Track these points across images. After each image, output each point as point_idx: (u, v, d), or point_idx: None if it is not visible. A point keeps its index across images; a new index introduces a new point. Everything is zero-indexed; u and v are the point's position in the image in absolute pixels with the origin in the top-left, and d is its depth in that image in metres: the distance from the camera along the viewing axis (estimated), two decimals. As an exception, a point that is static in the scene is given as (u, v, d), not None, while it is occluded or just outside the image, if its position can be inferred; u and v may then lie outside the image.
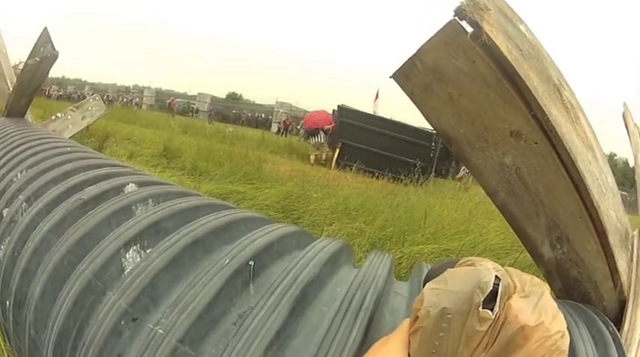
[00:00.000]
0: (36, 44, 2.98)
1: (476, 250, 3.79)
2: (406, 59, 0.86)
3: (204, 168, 7.19)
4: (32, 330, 1.10)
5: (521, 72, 0.80)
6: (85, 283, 1.00)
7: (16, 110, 3.31)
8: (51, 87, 33.67)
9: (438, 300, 0.52)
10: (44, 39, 3.00)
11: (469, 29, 0.77)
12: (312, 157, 14.26)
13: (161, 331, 0.83)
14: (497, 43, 0.76)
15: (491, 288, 0.49)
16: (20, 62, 3.04)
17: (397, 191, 7.70)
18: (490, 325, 0.48)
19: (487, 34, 0.75)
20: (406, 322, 0.58)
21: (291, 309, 0.83)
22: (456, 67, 0.82)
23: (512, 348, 0.48)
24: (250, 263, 0.95)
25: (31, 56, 2.96)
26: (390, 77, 0.91)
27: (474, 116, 0.89)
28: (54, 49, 3.04)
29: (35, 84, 3.28)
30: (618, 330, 0.95)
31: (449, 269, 0.57)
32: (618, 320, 1.02)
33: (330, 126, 14.65)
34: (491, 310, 0.48)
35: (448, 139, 0.96)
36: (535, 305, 0.50)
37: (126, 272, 1.00)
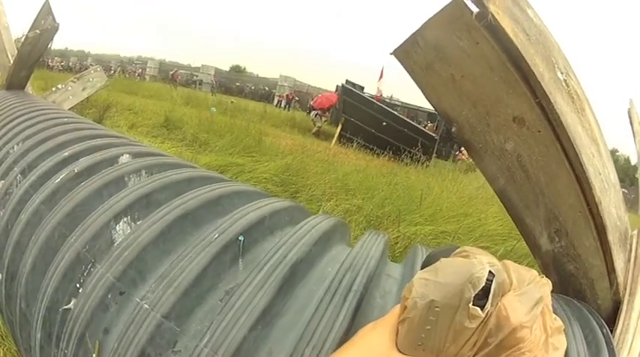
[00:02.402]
0: (37, 17, 2.95)
1: (473, 234, 3.78)
2: (408, 35, 0.83)
3: (205, 139, 7.15)
4: (23, 303, 1.10)
5: (528, 57, 0.77)
6: (74, 255, 0.99)
7: (16, 83, 3.29)
8: (53, 59, 33.19)
9: (426, 291, 0.50)
10: (45, 11, 2.96)
11: (474, 9, 0.73)
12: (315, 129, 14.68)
13: (146, 305, 0.82)
14: (502, 25, 0.73)
15: (483, 284, 0.47)
16: (23, 36, 3.00)
17: (397, 170, 7.68)
18: (480, 323, 0.46)
19: (493, 15, 0.72)
20: (396, 308, 0.55)
21: (279, 287, 0.81)
22: (460, 47, 0.79)
23: (504, 349, 0.46)
24: (240, 238, 0.93)
25: (32, 29, 2.93)
26: (391, 54, 0.88)
27: (476, 99, 0.86)
28: (54, 22, 3.01)
29: (35, 56, 3.25)
30: (610, 332, 0.93)
31: (442, 259, 0.54)
32: (611, 321, 1.01)
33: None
34: (483, 307, 0.46)
35: (449, 120, 0.93)
36: (532, 306, 0.47)
37: (115, 245, 0.99)
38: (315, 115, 15.32)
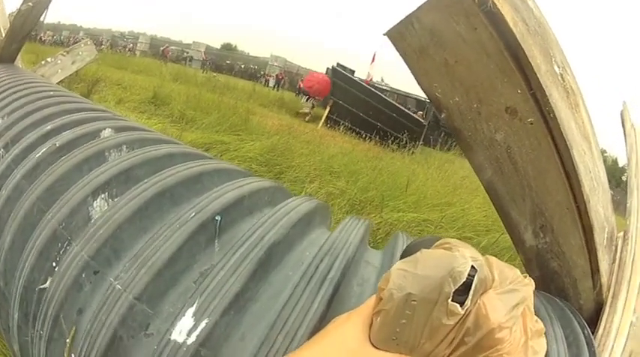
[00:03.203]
0: None
1: (456, 224, 3.81)
2: (403, 17, 0.80)
3: (192, 116, 7.09)
4: (2, 282, 1.08)
5: (526, 47, 0.75)
6: (51, 232, 0.97)
7: (6, 56, 3.26)
8: (45, 32, 32.46)
9: (403, 283, 0.47)
10: None
11: (474, -6, 0.71)
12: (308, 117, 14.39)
13: (119, 286, 0.79)
14: (502, 13, 0.71)
15: (464, 279, 0.44)
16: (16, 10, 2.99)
17: (383, 155, 7.72)
18: (459, 320, 0.44)
19: (493, 2, 0.70)
20: (372, 299, 0.53)
21: (253, 271, 0.79)
22: (456, 32, 0.76)
23: (482, 350, 0.44)
24: (217, 218, 0.90)
25: (24, 2, 2.91)
26: (384, 34, 0.85)
27: (469, 86, 0.84)
28: None
29: (26, 29, 3.25)
30: (592, 333, 0.93)
31: (423, 250, 0.51)
32: (593, 322, 1.00)
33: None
34: (462, 303, 0.44)
35: (439, 105, 0.91)
36: (513, 306, 0.45)
37: (91, 222, 0.96)
38: (307, 99, 15.15)
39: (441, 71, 0.84)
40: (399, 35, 0.84)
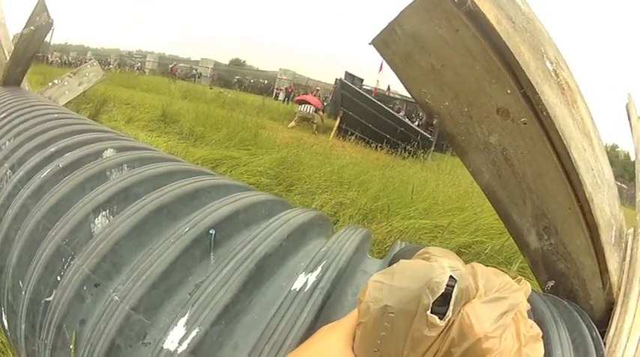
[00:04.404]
0: (32, 13, 3.00)
1: (468, 228, 3.75)
2: (386, 24, 0.80)
3: (201, 133, 7.12)
4: (10, 295, 1.11)
5: (511, 45, 0.74)
6: (55, 248, 1.01)
7: (12, 79, 3.33)
8: (52, 53, 32.95)
9: (380, 295, 0.47)
10: (40, 8, 3.01)
11: (453, -5, 0.70)
12: (293, 123, 13.87)
13: (116, 297, 0.83)
14: (484, 11, 0.70)
15: (443, 289, 0.44)
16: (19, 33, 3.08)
17: (394, 164, 7.69)
18: (442, 332, 0.43)
19: (473, 1, 0.69)
20: (356, 311, 0.52)
21: (244, 283, 0.81)
22: (439, 36, 0.76)
23: None
24: (211, 232, 0.92)
25: (27, 25, 2.98)
26: (370, 44, 0.85)
27: (458, 90, 0.83)
28: (49, 18, 3.06)
29: (30, 53, 3.30)
30: (603, 334, 0.90)
31: (401, 260, 0.51)
32: (604, 323, 0.98)
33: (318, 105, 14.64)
34: (443, 314, 0.43)
35: (429, 111, 0.90)
36: (500, 314, 0.44)
37: (93, 237, 1.00)
38: (311, 110, 14.35)
39: (428, 77, 0.84)
40: (383, 43, 0.84)
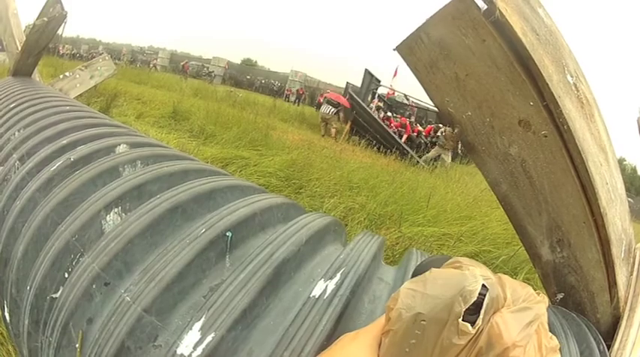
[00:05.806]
0: (46, 4, 3.00)
1: (476, 237, 3.73)
2: (412, 31, 0.80)
3: (212, 131, 7.13)
4: (14, 289, 1.09)
5: (536, 57, 0.74)
6: (64, 244, 0.98)
7: (23, 69, 3.34)
8: (64, 46, 33.07)
9: (412, 303, 0.47)
10: None
11: (482, 5, 0.70)
12: (322, 130, 13.88)
13: (128, 298, 0.81)
14: (511, 23, 0.70)
15: (475, 298, 0.44)
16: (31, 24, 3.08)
17: (403, 170, 7.65)
18: (470, 340, 0.43)
19: (501, 12, 0.69)
20: (381, 319, 0.52)
21: (262, 288, 0.79)
22: (465, 45, 0.76)
23: None
24: (227, 235, 0.91)
25: (40, 16, 2.99)
26: (394, 49, 0.84)
27: (481, 100, 0.83)
28: (63, 9, 3.06)
29: (42, 44, 3.30)
30: (609, 347, 0.90)
31: (432, 269, 0.51)
32: (610, 336, 0.97)
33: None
34: (473, 322, 0.43)
35: (451, 120, 0.90)
36: (526, 324, 0.44)
37: (104, 235, 0.97)
38: (335, 112, 13.99)
39: (452, 85, 0.83)
40: (408, 50, 0.84)
